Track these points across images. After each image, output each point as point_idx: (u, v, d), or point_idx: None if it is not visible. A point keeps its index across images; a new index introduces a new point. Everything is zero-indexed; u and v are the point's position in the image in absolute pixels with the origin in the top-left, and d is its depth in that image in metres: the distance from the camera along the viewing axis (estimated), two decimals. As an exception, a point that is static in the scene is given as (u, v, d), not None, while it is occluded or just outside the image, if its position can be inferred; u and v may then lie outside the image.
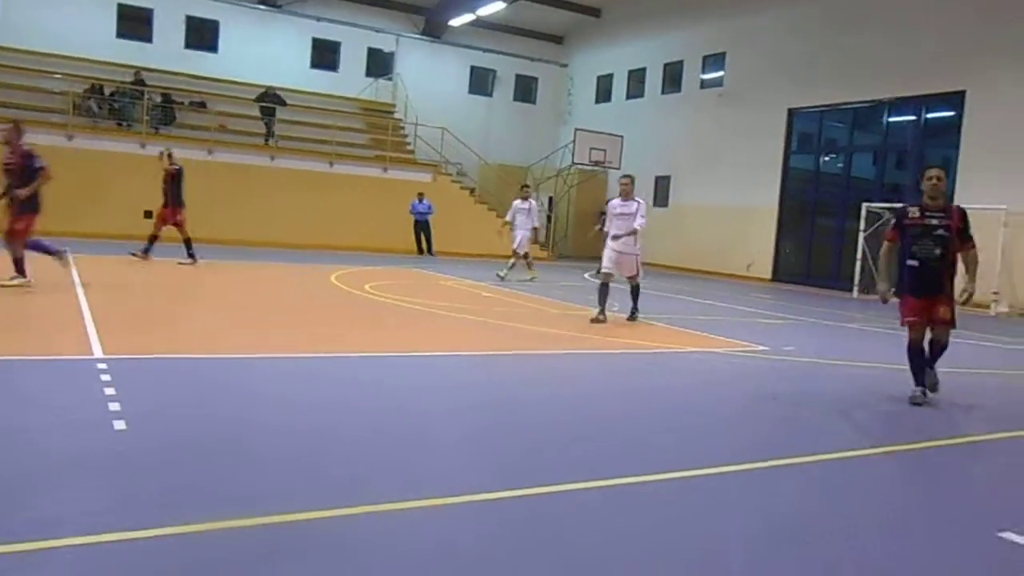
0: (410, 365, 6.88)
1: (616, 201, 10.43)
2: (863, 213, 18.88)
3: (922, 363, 6.41)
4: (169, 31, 25.13)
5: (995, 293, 16.13)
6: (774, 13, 22.84)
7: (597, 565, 3.02)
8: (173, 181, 13.53)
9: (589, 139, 25.22)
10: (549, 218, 29.05)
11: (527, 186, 16.91)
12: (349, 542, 3.06)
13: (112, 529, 2.96)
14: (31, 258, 9.40)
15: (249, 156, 22.54)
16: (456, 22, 28.03)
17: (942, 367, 6.58)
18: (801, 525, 3.62)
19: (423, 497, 3.53)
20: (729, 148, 23.94)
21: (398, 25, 28.54)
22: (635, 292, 10.55)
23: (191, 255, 13.42)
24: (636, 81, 28.39)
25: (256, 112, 24.01)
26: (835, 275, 20.75)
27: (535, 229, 16.40)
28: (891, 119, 20.86)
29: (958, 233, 6.22)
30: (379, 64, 28.47)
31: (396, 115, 27.99)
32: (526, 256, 16.08)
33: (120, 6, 24.42)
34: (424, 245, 22.59)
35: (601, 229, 10.75)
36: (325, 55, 27.58)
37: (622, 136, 25.48)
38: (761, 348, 9.03)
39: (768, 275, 22.68)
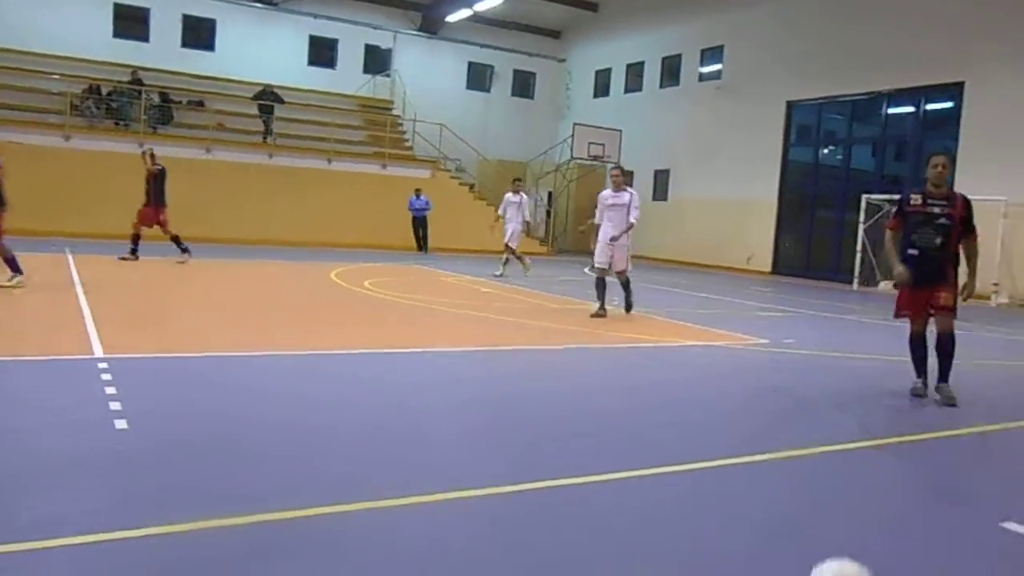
0: (410, 361, 6.87)
1: (607, 192, 10.38)
2: (863, 205, 18.87)
3: (923, 354, 6.36)
4: (166, 30, 25.10)
5: (995, 284, 16.13)
6: (771, 6, 22.80)
7: (598, 559, 3.02)
8: (155, 181, 13.44)
9: (588, 134, 25.21)
10: (549, 213, 29.04)
11: (519, 180, 16.81)
12: (347, 539, 3.06)
13: (113, 528, 2.95)
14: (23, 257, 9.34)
15: (247, 154, 22.54)
16: (453, 18, 28.00)
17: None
18: (802, 517, 3.61)
19: (423, 493, 3.52)
20: (728, 141, 23.92)
21: (395, 22, 28.50)
22: (626, 286, 10.46)
23: (184, 249, 13.39)
24: (634, 75, 28.36)
25: (254, 110, 23.99)
26: (835, 267, 20.74)
27: (527, 223, 16.33)
28: (890, 111, 20.85)
29: (961, 222, 6.06)
30: (376, 61, 28.45)
31: (394, 112, 27.97)
32: (513, 251, 15.95)
33: (116, 6, 24.40)
34: (421, 242, 22.48)
35: (592, 223, 10.66)
36: (322, 52, 27.55)
37: (620, 130, 25.47)
38: (761, 341, 9.02)
39: (768, 268, 22.68)
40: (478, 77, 30.24)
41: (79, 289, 9.46)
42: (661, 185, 26.59)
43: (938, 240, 6.07)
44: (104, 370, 5.44)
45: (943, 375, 6.13)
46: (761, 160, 22.96)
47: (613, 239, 10.13)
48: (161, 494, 3.38)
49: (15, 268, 9.12)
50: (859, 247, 18.94)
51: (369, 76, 28.15)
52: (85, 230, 17.16)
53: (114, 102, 22.52)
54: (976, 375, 7.41)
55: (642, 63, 27.90)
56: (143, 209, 13.48)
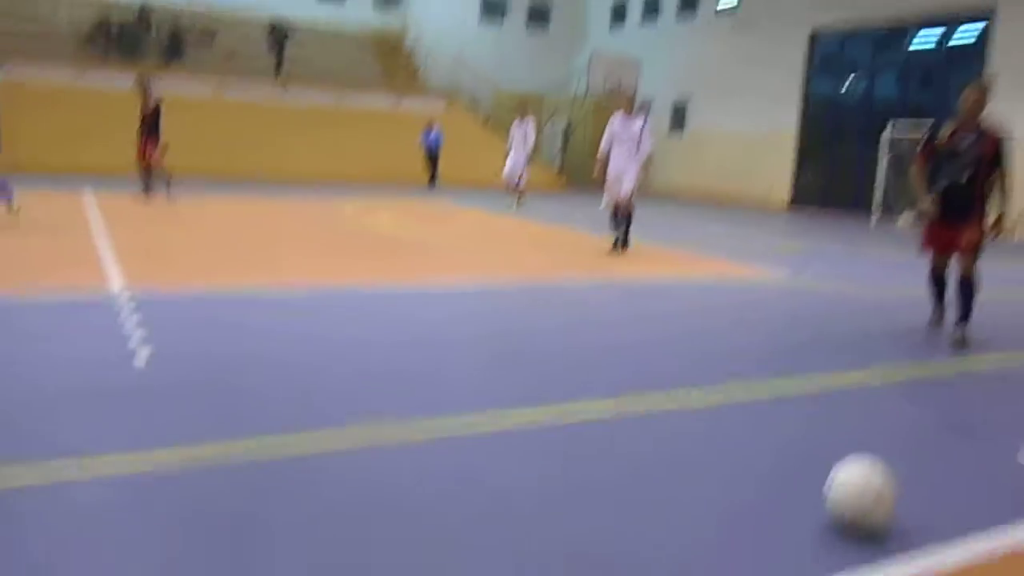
0: (426, 296, 6.86)
1: (619, 119, 9.89)
2: (885, 137, 18.48)
3: (942, 290, 6.25)
4: (173, -39, 24.59)
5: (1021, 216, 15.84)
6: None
7: (612, 488, 3.02)
8: (154, 116, 12.91)
9: (605, 64, 24.66)
10: (565, 146, 28.67)
11: (524, 108, 16.46)
12: (373, 469, 3.07)
13: (137, 452, 3.00)
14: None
15: (259, 90, 22.28)
16: (467, -55, 27.28)
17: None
18: (813, 450, 3.59)
19: (442, 418, 3.54)
20: (747, 73, 23.39)
21: (407, -51, 27.81)
22: (628, 218, 9.85)
23: (162, 187, 13.00)
24: (650, 8, 27.61)
25: (265, 45, 23.62)
26: (856, 201, 20.42)
27: (533, 149, 15.86)
28: (915, 40, 20.22)
29: (991, 159, 5.77)
30: (389, -9, 27.86)
31: (407, 45, 27.47)
32: (515, 186, 15.73)
33: (124, -64, 23.87)
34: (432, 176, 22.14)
35: (600, 162, 9.97)
36: (334, -17, 26.98)
37: (639, 60, 24.91)
38: (780, 274, 8.94)
39: (787, 201, 22.40)
40: (492, 6, 29.56)
41: (94, 224, 9.47)
42: (679, 118, 26.13)
43: (966, 175, 5.81)
44: (121, 304, 5.47)
45: (962, 316, 5.92)
46: (781, 92, 22.47)
47: (617, 174, 9.66)
48: (178, 425, 3.41)
49: None
50: (880, 180, 18.61)
51: (381, 8, 27.56)
52: (97, 166, 17.12)
53: (124, 36, 22.24)
54: (998, 309, 7.32)
55: (659, -8, 27.16)
56: (145, 144, 13.04)
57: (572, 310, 6.71)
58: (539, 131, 19.00)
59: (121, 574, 2.29)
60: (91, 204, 11.73)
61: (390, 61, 26.06)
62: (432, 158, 21.75)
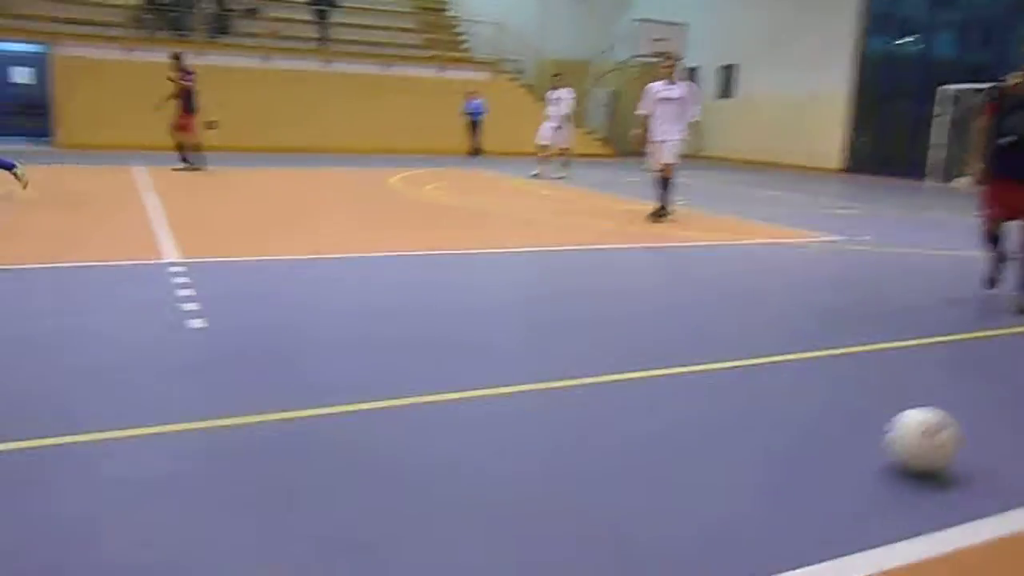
0: (476, 262, 6.86)
1: (658, 84, 9.61)
2: (942, 97, 17.86)
3: (1000, 248, 5.96)
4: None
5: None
6: None
7: (661, 448, 2.99)
8: (187, 92, 13.23)
9: (651, 29, 24.20)
10: (612, 114, 28.27)
11: (558, 75, 16.26)
12: (426, 428, 3.09)
13: (196, 417, 3.06)
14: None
15: (304, 62, 22.35)
16: (508, -90, 26.82)
17: None
18: (867, 409, 3.51)
19: (491, 386, 3.54)
20: (797, 33, 22.73)
21: (448, -84, 27.50)
22: (666, 183, 9.52)
23: (187, 160, 13.31)
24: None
25: (309, 17, 23.66)
26: (912, 163, 19.82)
27: (565, 117, 15.50)
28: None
29: None
30: (430, -41, 27.60)
31: (450, 13, 27.27)
32: (544, 149, 15.48)
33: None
34: (475, 144, 22.04)
35: (637, 132, 9.73)
36: (375, -48, 26.79)
37: (687, 24, 24.39)
38: (834, 238, 8.74)
39: (839, 164, 21.85)
40: (535, -28, 29.09)
41: (146, 198, 9.64)
42: (727, 81, 25.58)
43: None
44: (176, 273, 5.57)
45: (1021, 282, 5.66)
46: (833, 51, 21.81)
47: (660, 139, 9.43)
48: (240, 388, 3.47)
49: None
50: (939, 140, 18.03)
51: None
52: (149, 142, 17.36)
53: (171, 11, 22.47)
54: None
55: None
56: (183, 117, 13.31)
57: (628, 277, 6.64)
58: (582, 99, 18.68)
59: (182, 537, 2.33)
60: (143, 178, 11.94)
61: (433, 31, 25.92)
62: (476, 127, 21.70)
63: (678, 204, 10.14)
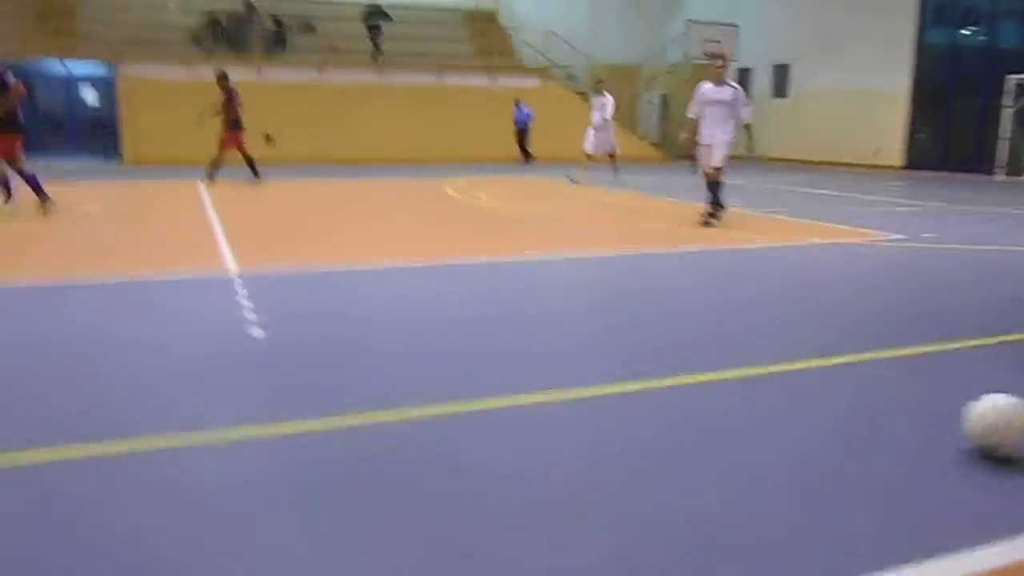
0: (534, 269, 6.88)
1: (709, 86, 9.52)
2: (1008, 89, 17.31)
3: None
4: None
5: None
6: None
7: (742, 449, 2.97)
8: (231, 104, 13.58)
9: (702, 30, 24.01)
10: (664, 117, 28.07)
11: (601, 81, 16.21)
12: (483, 434, 3.12)
13: (260, 423, 3.14)
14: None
15: (358, 74, 22.72)
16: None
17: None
18: (944, 410, 3.43)
19: (548, 390, 3.56)
20: (853, 27, 22.29)
21: (496, -75, 27.65)
22: (715, 187, 9.39)
23: (212, 176, 13.57)
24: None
25: (363, 31, 24.04)
26: (977, 158, 19.26)
27: (605, 122, 15.37)
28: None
29: None
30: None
31: (501, 21, 27.41)
32: (589, 156, 15.40)
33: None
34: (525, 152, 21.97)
35: (685, 135, 9.67)
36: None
37: (737, 25, 24.13)
38: (896, 236, 8.54)
39: (900, 162, 21.34)
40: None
41: (209, 212, 9.90)
42: (780, 81, 25.20)
43: None
44: (237, 284, 5.70)
45: None
46: (891, 45, 21.33)
47: (709, 143, 9.32)
48: (301, 394, 3.54)
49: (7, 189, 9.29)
50: (1006, 134, 17.48)
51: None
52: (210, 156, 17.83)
53: (231, 30, 23.07)
54: None
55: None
56: (233, 134, 13.65)
57: (686, 278, 6.60)
58: (634, 103, 18.53)
59: (250, 538, 2.40)
60: (205, 193, 12.26)
61: (484, 39, 26.09)
62: (523, 134, 21.65)
63: (733, 205, 10.02)
